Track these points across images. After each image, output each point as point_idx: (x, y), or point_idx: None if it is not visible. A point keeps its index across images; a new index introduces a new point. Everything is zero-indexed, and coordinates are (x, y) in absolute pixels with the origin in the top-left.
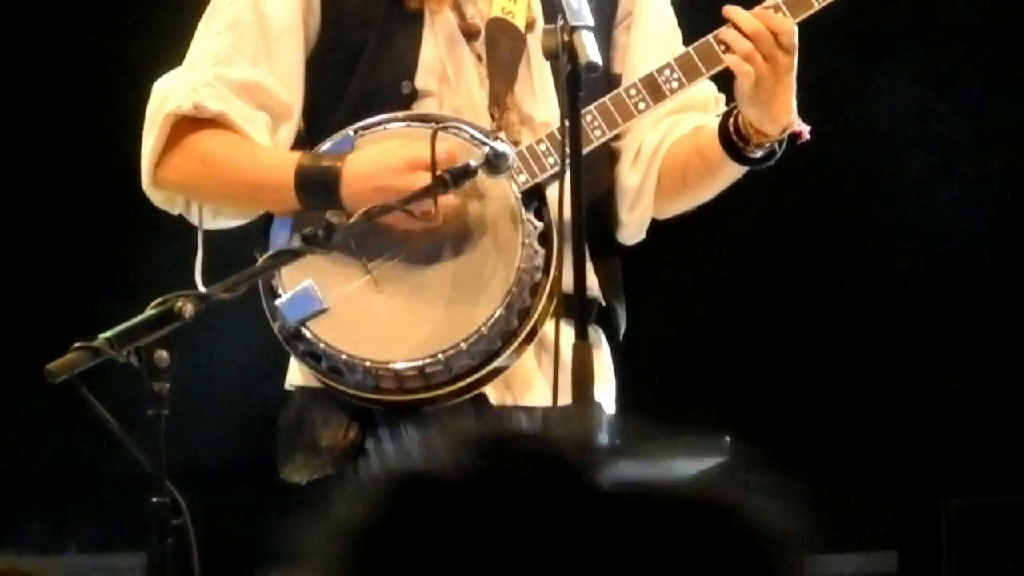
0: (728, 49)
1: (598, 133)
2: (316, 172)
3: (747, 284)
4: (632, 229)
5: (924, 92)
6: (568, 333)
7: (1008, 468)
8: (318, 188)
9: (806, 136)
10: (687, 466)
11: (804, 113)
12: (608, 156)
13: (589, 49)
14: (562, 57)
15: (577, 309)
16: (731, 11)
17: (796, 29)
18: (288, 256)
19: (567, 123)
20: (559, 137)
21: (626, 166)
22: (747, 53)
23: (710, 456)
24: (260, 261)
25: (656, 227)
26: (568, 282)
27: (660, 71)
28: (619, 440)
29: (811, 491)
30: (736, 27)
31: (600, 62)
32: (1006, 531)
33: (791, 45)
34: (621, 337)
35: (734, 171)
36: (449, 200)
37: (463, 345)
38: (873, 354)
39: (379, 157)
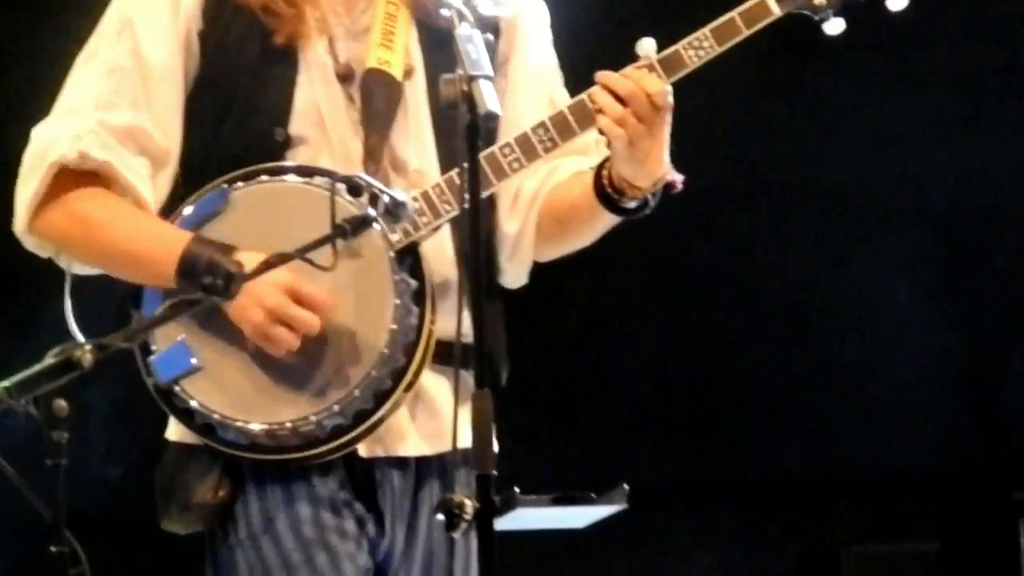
0: (601, 111)
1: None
2: (198, 263)
3: (651, 332)
4: (513, 275)
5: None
6: (443, 382)
7: (906, 516)
8: (201, 278)
9: (679, 186)
10: (589, 513)
11: (710, 160)
12: (488, 202)
13: (488, 99)
14: (461, 107)
15: (476, 358)
16: (603, 76)
17: (670, 89)
18: (186, 306)
19: (442, 182)
20: (433, 196)
21: (504, 213)
22: (620, 117)
23: (610, 503)
24: (160, 309)
25: (553, 270)
26: (448, 331)
27: (535, 130)
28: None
29: (711, 539)
30: (609, 90)
31: (499, 112)
32: None
33: (665, 105)
34: (503, 382)
35: (609, 220)
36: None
37: (336, 407)
38: (776, 405)
39: (267, 288)
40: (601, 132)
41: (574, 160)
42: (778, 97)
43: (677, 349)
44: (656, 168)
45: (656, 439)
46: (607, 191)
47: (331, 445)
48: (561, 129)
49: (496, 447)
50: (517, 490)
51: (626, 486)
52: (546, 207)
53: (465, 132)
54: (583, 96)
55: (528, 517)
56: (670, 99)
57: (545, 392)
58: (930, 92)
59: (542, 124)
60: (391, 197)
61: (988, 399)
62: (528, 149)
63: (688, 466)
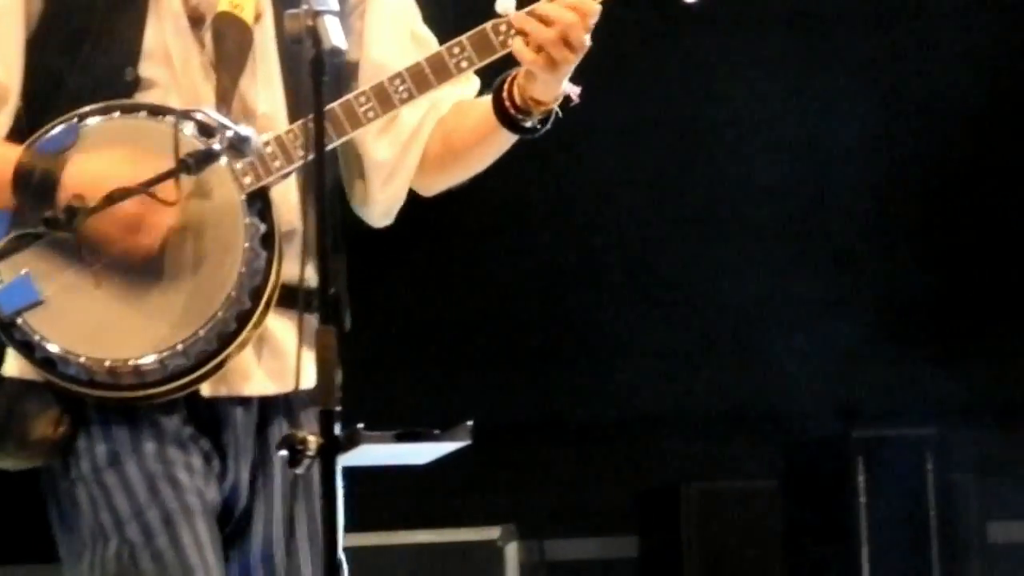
0: (525, 34)
1: (327, 140)
2: (33, 173)
3: (496, 272)
4: (383, 208)
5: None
6: (288, 325)
7: (746, 454)
8: (34, 190)
9: (576, 99)
10: (432, 449)
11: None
12: (333, 155)
13: (333, 34)
14: (306, 42)
15: (320, 295)
16: (539, 6)
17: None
18: (31, 239)
19: (296, 127)
20: (286, 140)
21: (372, 137)
22: (550, 40)
23: (454, 440)
24: (2, 243)
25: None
26: (294, 275)
27: (391, 80)
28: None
29: (552, 476)
30: (539, 16)
31: (344, 47)
32: (744, 515)
33: (590, 28)
34: (347, 327)
35: (508, 142)
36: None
37: (180, 347)
38: (616, 344)
39: (104, 164)
40: (516, 58)
41: (450, 90)
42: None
43: (521, 289)
44: (563, 85)
45: (500, 377)
46: (511, 113)
47: (172, 385)
48: (418, 81)
49: (339, 383)
50: (361, 426)
51: (470, 423)
52: (433, 139)
53: (310, 67)
54: (441, 49)
55: (372, 453)
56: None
57: (390, 330)
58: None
59: (399, 75)
60: (235, 132)
61: (827, 339)
62: (384, 99)
63: (530, 404)
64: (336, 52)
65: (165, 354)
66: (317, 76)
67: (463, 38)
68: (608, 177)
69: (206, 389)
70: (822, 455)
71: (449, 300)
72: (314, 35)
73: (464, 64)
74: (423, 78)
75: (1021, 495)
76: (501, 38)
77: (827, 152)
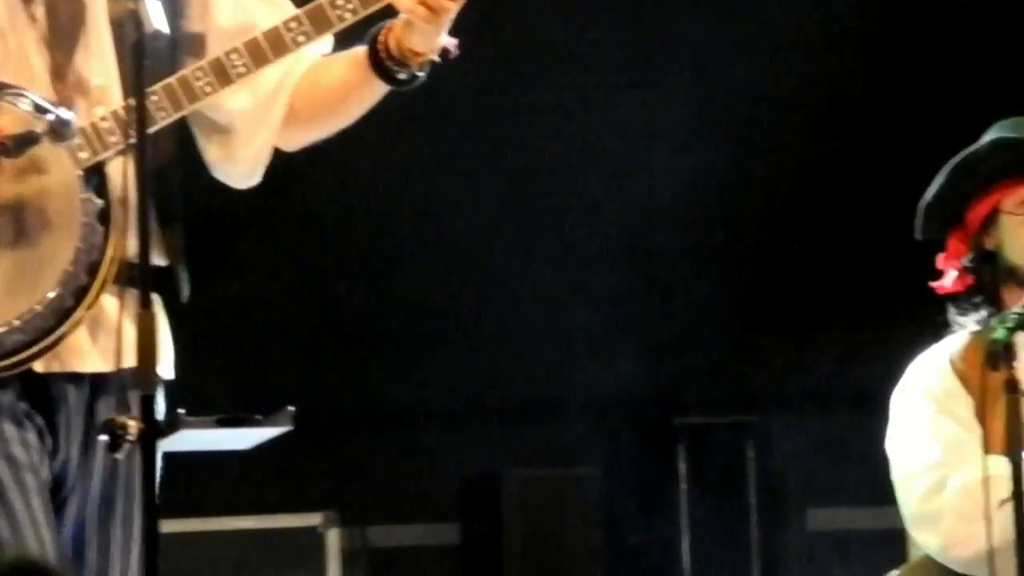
0: None
1: (163, 115)
2: None
3: (321, 259)
4: (248, 166)
5: None
6: (129, 303)
7: (568, 442)
8: None
9: (454, 51)
10: (254, 435)
11: None
12: (171, 129)
13: (154, 17)
14: (128, 25)
15: (141, 279)
16: None
17: None
18: None
19: (132, 102)
20: (123, 115)
21: (229, 96)
22: None
23: (275, 425)
24: None
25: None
26: (130, 251)
27: (228, 54)
28: (179, 408)
29: (374, 463)
30: None
31: (166, 30)
32: (565, 502)
33: None
34: (184, 300)
35: (379, 93)
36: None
37: (16, 323)
38: (439, 331)
39: None
40: (396, 7)
41: (313, 47)
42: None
43: (343, 276)
44: (441, 37)
45: (322, 364)
46: (386, 64)
47: (8, 361)
48: (255, 55)
49: (168, 368)
50: (182, 411)
51: (291, 409)
52: (299, 91)
53: (131, 51)
54: (278, 24)
55: (193, 439)
56: None
57: (213, 316)
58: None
59: (236, 50)
60: (57, 116)
61: (648, 327)
62: (221, 74)
63: (353, 391)
64: (158, 36)
65: (2, 330)
66: (138, 60)
67: (301, 12)
68: (431, 166)
69: (39, 365)
70: (644, 442)
71: (271, 286)
72: (135, 19)
73: (301, 39)
74: (260, 53)
75: (840, 482)
76: (338, 12)
77: (648, 139)
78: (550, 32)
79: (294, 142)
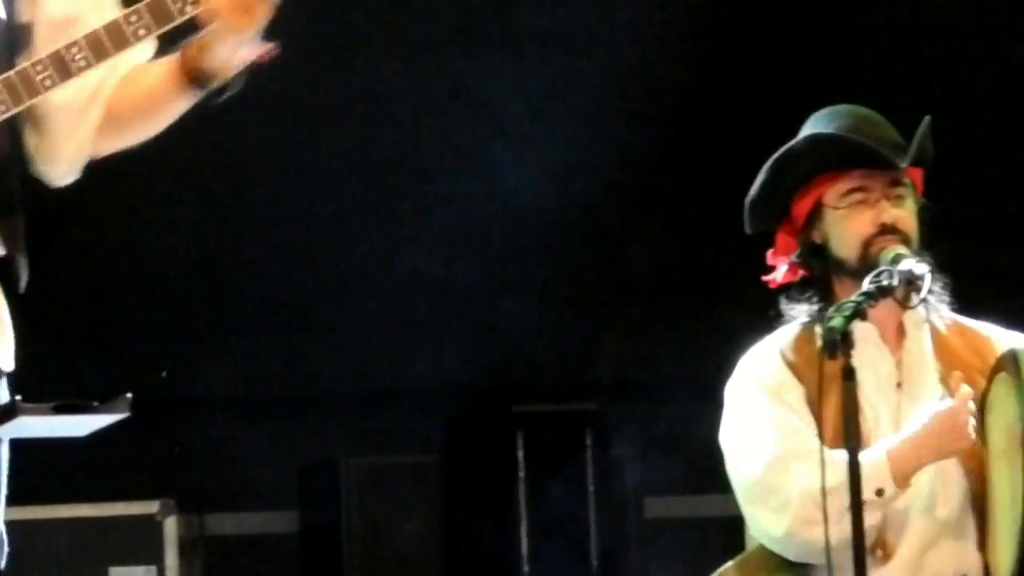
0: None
1: (2, 108)
2: None
3: (154, 245)
4: (67, 164)
5: None
6: None
7: (407, 429)
8: None
9: (269, 57)
10: (91, 422)
11: None
12: (8, 123)
13: None
14: None
15: None
16: None
17: None
18: None
19: None
20: None
21: (52, 98)
22: (232, 4)
23: (113, 412)
24: None
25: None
26: None
27: (68, 48)
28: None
29: (213, 451)
30: None
31: (3, 16)
32: (404, 490)
33: None
34: (22, 290)
35: (189, 102)
36: None
37: None
38: (277, 318)
39: None
40: (201, 21)
41: (128, 52)
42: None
43: (179, 263)
44: (248, 48)
45: (158, 351)
46: (195, 75)
47: None
48: (96, 49)
49: (7, 358)
50: (19, 398)
51: (128, 395)
52: (115, 97)
53: None
54: (118, 17)
55: (30, 426)
56: None
57: (49, 302)
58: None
59: (76, 43)
60: None
61: (487, 315)
62: (62, 67)
63: (190, 377)
64: None
65: None
66: None
67: (141, 5)
68: (265, 154)
69: None
70: (482, 430)
71: (109, 272)
72: None
73: (142, 32)
74: (100, 46)
75: (677, 471)
76: (179, 5)
77: (491, 129)
78: (390, 18)
79: (105, 147)
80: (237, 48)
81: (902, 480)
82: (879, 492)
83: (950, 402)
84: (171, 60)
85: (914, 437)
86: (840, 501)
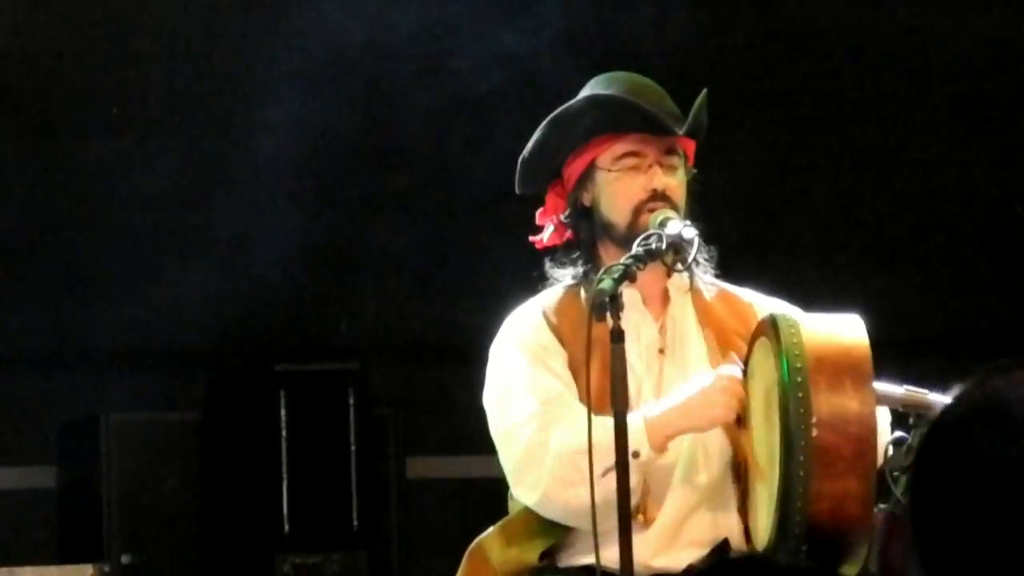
0: None
1: None
2: None
3: None
4: None
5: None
6: None
7: (169, 386)
8: None
9: None
10: None
11: None
12: None
13: None
14: None
15: None
16: None
17: None
18: None
19: None
20: None
21: None
22: None
23: None
24: None
25: None
26: None
27: None
28: None
29: None
30: None
31: None
32: (164, 447)
33: None
34: None
35: None
36: None
37: None
38: (30, 274)
39: None
40: None
41: None
42: None
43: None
44: None
45: None
46: None
47: None
48: None
49: None
50: None
51: None
52: None
53: None
54: None
55: None
56: None
57: None
58: None
59: None
60: None
61: (249, 271)
62: None
63: None
64: None
65: None
66: None
67: None
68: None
69: None
70: (244, 388)
71: None
72: None
73: None
74: None
75: (438, 432)
76: None
77: (258, 87)
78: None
79: None
80: None
81: (658, 445)
82: (635, 454)
83: (715, 374)
84: None
85: (676, 405)
86: (597, 461)
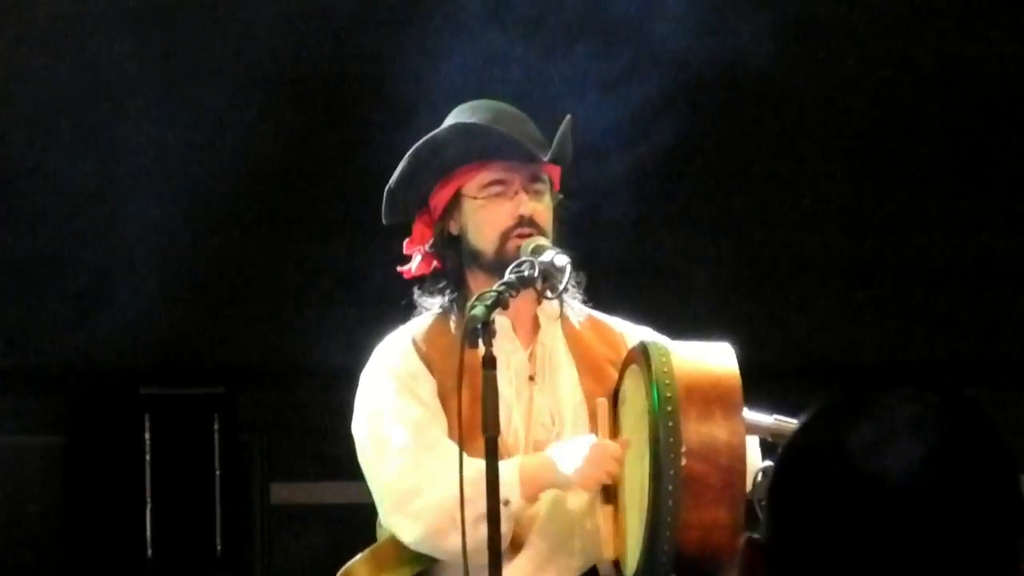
0: None
1: None
2: None
3: None
4: None
5: None
6: None
7: (30, 410)
8: None
9: None
10: None
11: None
12: None
13: None
14: None
15: None
16: None
17: None
18: None
19: None
20: None
21: None
22: None
23: None
24: None
25: None
26: None
27: None
28: None
29: None
30: None
31: None
32: (27, 471)
33: None
34: None
35: None
36: None
37: None
38: None
39: None
40: None
41: None
42: None
43: None
44: None
45: None
46: None
47: None
48: None
49: None
50: None
51: None
52: None
53: None
54: None
55: None
56: None
57: None
58: None
59: None
60: None
61: (116, 295)
62: None
63: None
64: None
65: None
66: None
67: None
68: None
69: None
70: (109, 411)
71: None
72: None
73: None
74: None
75: (302, 457)
76: None
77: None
78: None
79: None
80: None
81: (529, 496)
82: (505, 502)
83: (596, 439)
84: None
85: (551, 463)
86: (472, 510)
